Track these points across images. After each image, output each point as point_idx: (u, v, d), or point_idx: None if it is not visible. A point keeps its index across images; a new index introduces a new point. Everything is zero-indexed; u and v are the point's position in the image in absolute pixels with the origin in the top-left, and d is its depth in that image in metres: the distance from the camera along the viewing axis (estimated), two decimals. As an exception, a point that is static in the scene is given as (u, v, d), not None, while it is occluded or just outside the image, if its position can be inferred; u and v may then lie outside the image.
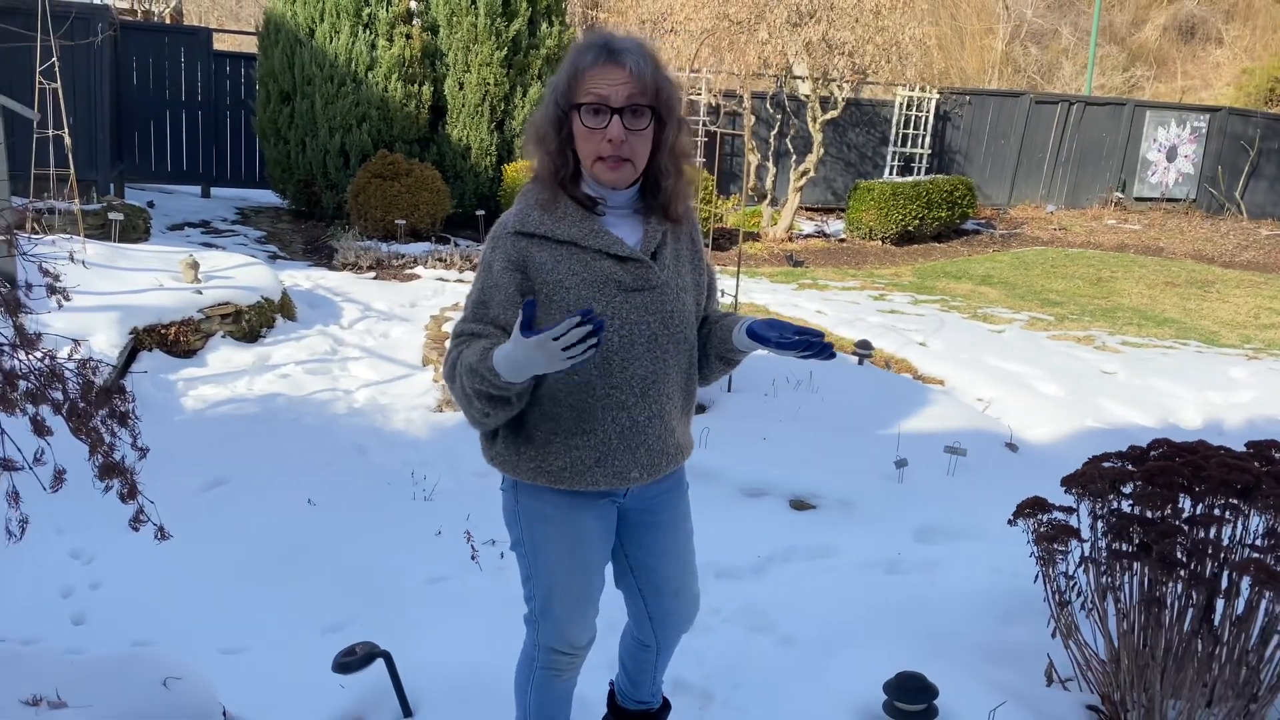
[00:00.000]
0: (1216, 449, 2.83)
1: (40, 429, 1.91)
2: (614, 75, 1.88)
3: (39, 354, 2.01)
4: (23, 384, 2.01)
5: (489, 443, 2.10)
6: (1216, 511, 2.67)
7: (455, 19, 10.41)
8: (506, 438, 2.05)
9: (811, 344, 1.91)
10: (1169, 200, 15.47)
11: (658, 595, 2.28)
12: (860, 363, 6.26)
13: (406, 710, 2.67)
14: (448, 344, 2.05)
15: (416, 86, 10.48)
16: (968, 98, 14.84)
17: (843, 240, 12.48)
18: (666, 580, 2.26)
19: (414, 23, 10.64)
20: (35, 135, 6.95)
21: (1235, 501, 2.67)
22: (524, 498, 2.10)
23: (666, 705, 2.53)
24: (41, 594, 3.27)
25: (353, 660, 2.59)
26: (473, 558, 3.58)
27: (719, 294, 2.35)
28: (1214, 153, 15.44)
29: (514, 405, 1.95)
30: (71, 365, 2.09)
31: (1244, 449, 2.85)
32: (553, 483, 2.03)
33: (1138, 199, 15.34)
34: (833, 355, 1.96)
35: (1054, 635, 2.94)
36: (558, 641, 2.15)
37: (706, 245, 7.49)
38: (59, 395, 2.04)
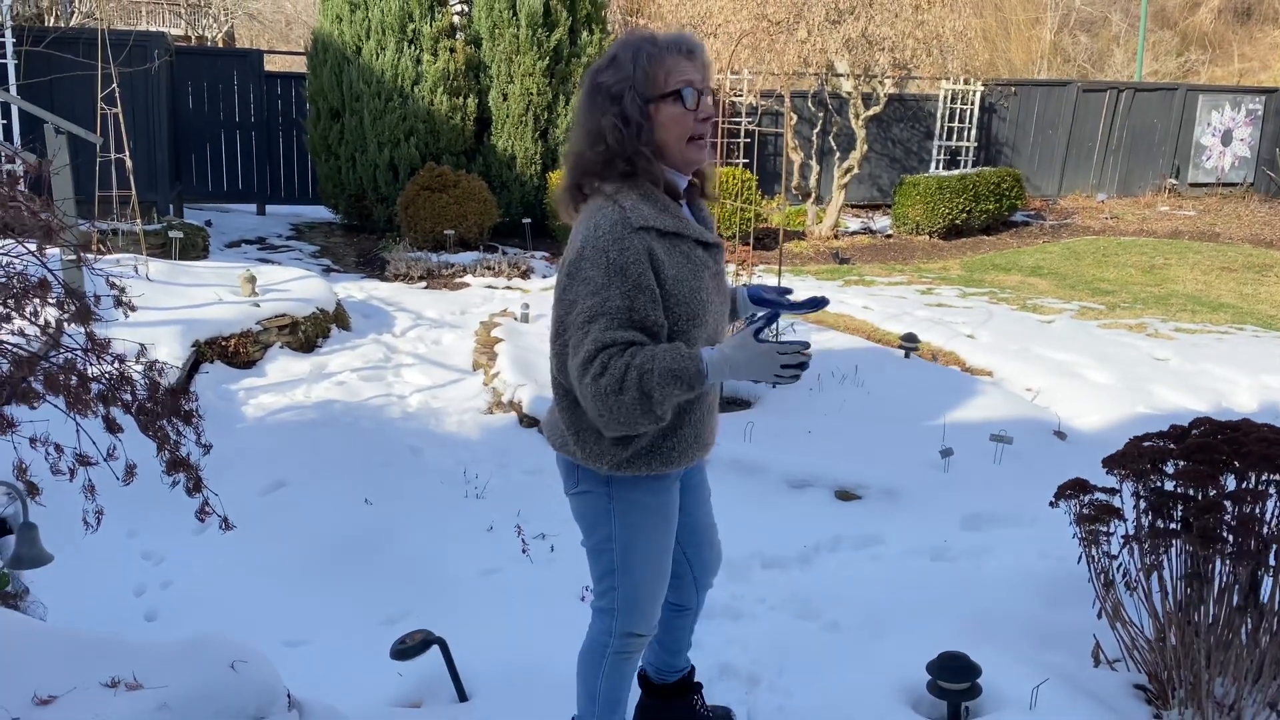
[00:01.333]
0: (1259, 426, 2.82)
1: (112, 427, 2.04)
2: (694, 63, 2.04)
3: (109, 358, 2.14)
4: (95, 387, 2.14)
5: (591, 441, 2.09)
6: (1260, 487, 2.67)
7: (497, 31, 10.59)
8: (618, 444, 2.07)
9: (814, 300, 2.11)
10: (1225, 185, 15.15)
11: (697, 549, 2.44)
12: (906, 356, 6.26)
13: (462, 695, 2.77)
14: (587, 357, 1.93)
15: (461, 99, 10.66)
16: (1013, 89, 14.69)
17: (889, 236, 12.43)
18: (703, 533, 2.44)
19: (457, 36, 10.84)
20: (98, 159, 7.22)
21: (1279, 477, 2.67)
22: (619, 492, 2.14)
23: (692, 668, 2.66)
24: (117, 592, 3.43)
25: (409, 647, 2.70)
26: (524, 551, 3.68)
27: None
28: (1271, 135, 15.10)
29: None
30: (139, 368, 2.22)
31: (1288, 426, 2.84)
32: (663, 466, 2.10)
33: (1192, 185, 15.05)
34: (826, 302, 2.15)
35: (1100, 616, 2.95)
36: (640, 625, 2.25)
37: (748, 245, 7.54)
38: (128, 397, 2.16)
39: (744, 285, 2.28)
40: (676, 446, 2.11)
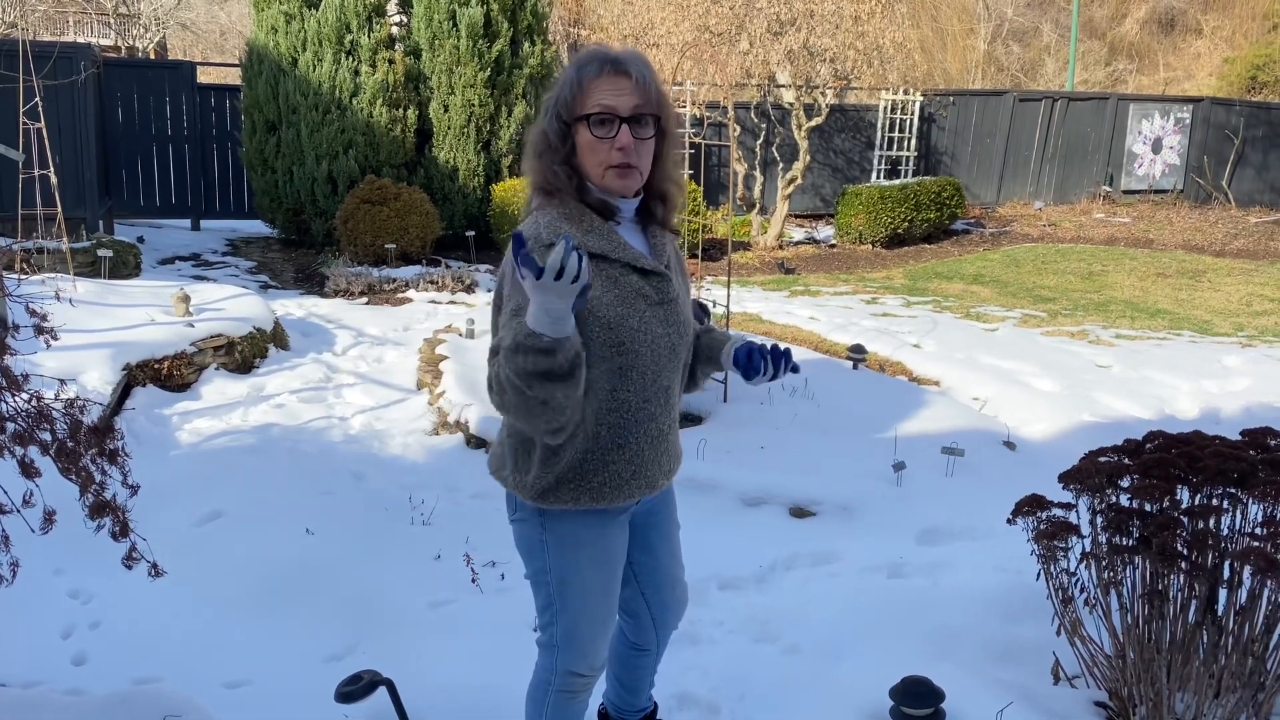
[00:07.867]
0: (1212, 439, 2.83)
1: (29, 471, 1.90)
2: (620, 85, 1.91)
3: (25, 395, 2.00)
4: (10, 426, 2.00)
5: (521, 473, 2.03)
6: (1214, 501, 2.67)
7: (437, 42, 10.45)
8: (541, 466, 2.00)
9: (777, 374, 2.07)
10: (1157, 192, 15.51)
11: (659, 592, 2.32)
12: (855, 367, 6.26)
13: (411, 737, 2.65)
14: (488, 364, 1.89)
15: (401, 111, 10.50)
16: (951, 99, 14.89)
17: (833, 246, 12.50)
18: (667, 575, 2.32)
19: (396, 48, 10.67)
20: (21, 175, 6.95)
21: (1233, 491, 2.67)
22: (552, 525, 2.05)
23: (655, 706, 2.57)
24: (41, 636, 3.25)
25: (355, 689, 2.57)
26: (473, 580, 3.56)
27: (711, 304, 2.41)
28: (1199, 143, 15.50)
29: (573, 380, 1.78)
30: (59, 405, 2.08)
31: (1239, 437, 2.85)
32: (594, 501, 2.00)
33: (1125, 192, 15.38)
34: (795, 369, 2.11)
35: (1059, 633, 2.93)
36: (580, 665, 2.14)
37: (696, 257, 7.50)
38: (47, 436, 2.03)
39: (734, 341, 2.15)
40: (609, 481, 1.99)
